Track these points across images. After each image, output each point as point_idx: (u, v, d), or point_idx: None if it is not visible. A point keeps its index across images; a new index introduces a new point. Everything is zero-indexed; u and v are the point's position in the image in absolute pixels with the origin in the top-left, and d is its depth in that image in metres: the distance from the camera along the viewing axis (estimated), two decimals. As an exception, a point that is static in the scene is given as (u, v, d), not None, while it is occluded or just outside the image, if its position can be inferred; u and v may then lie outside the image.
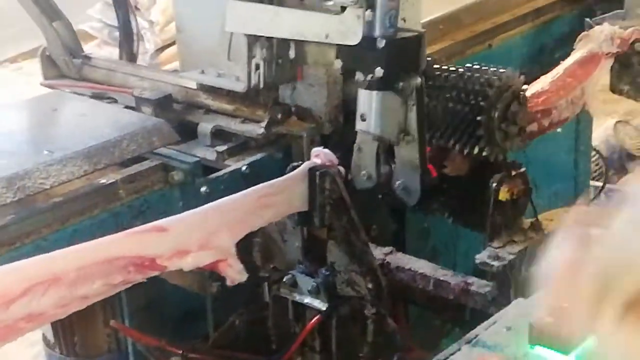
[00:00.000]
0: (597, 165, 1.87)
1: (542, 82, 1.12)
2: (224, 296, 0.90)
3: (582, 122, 1.51)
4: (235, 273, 0.73)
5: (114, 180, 0.89)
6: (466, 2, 1.37)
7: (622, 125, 2.16)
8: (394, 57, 0.86)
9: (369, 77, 0.85)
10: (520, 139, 0.95)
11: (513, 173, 0.93)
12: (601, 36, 1.21)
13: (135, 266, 0.64)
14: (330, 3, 0.88)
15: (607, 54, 1.19)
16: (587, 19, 1.28)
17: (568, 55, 1.23)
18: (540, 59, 1.40)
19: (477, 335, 0.73)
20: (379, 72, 0.83)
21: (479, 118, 0.90)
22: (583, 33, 1.23)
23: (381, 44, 0.82)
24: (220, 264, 0.72)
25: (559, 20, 1.46)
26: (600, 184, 1.70)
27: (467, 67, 1.00)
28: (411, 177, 0.93)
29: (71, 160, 0.87)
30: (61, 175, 0.87)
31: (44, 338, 0.94)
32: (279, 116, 1.00)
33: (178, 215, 0.73)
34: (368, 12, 0.81)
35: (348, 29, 0.86)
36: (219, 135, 1.01)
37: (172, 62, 1.57)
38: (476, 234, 0.99)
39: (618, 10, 1.28)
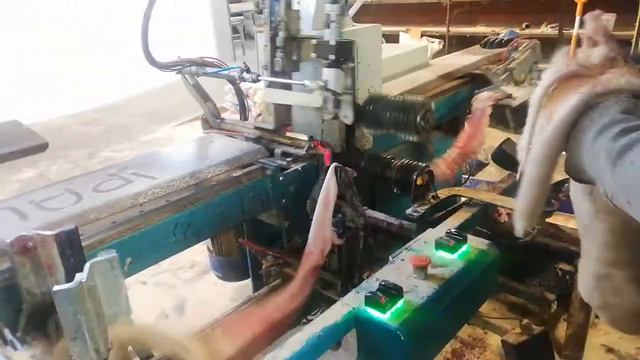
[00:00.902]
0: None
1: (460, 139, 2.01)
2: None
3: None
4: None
5: (239, 174, 1.61)
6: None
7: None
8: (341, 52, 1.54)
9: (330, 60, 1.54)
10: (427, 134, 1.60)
11: (425, 171, 1.66)
12: (484, 97, 2.13)
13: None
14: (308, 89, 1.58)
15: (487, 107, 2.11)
16: (476, 90, 2.22)
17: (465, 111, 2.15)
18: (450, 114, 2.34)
19: (409, 247, 1.34)
20: (332, 57, 1.53)
21: (410, 118, 1.53)
22: (474, 97, 2.16)
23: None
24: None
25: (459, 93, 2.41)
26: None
27: (402, 94, 1.71)
28: (347, 110, 1.59)
29: (219, 165, 1.61)
30: (215, 172, 1.66)
31: (208, 248, 1.81)
32: (312, 145, 1.73)
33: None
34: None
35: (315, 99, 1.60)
36: (284, 154, 1.74)
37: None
38: (407, 200, 1.68)
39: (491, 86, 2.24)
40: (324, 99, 1.56)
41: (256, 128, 1.84)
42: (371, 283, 1.20)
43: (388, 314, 1.09)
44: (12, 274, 1.04)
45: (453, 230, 1.34)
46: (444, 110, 2.27)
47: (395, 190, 1.66)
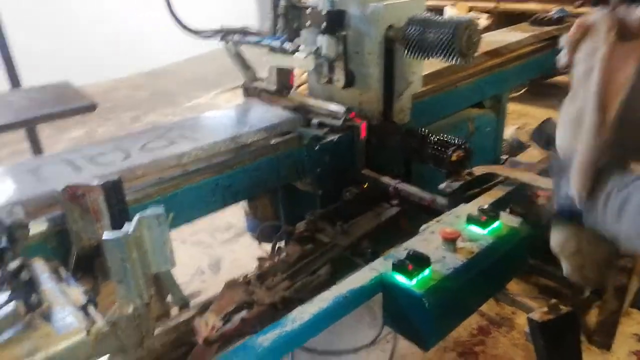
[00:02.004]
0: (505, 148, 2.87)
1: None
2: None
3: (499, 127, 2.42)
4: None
5: (277, 141, 1.69)
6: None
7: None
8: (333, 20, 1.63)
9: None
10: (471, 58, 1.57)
11: (461, 147, 1.65)
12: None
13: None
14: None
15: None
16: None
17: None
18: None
19: (440, 219, 1.37)
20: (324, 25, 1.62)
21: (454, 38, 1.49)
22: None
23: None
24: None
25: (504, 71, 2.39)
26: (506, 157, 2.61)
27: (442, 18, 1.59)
28: (340, 74, 1.69)
29: (259, 131, 1.67)
30: (254, 137, 1.71)
31: (245, 210, 1.89)
32: (348, 116, 1.75)
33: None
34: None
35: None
36: (321, 124, 1.80)
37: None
38: (441, 175, 1.68)
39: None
40: (319, 64, 1.68)
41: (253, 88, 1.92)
42: (399, 251, 1.23)
43: (414, 281, 1.13)
44: (64, 220, 1.13)
45: (486, 206, 1.35)
46: (488, 88, 2.23)
47: (430, 165, 1.66)
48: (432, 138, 1.66)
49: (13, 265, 0.82)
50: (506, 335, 2.53)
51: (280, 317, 1.07)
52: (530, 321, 1.55)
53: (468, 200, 1.51)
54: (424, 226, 1.35)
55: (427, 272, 1.15)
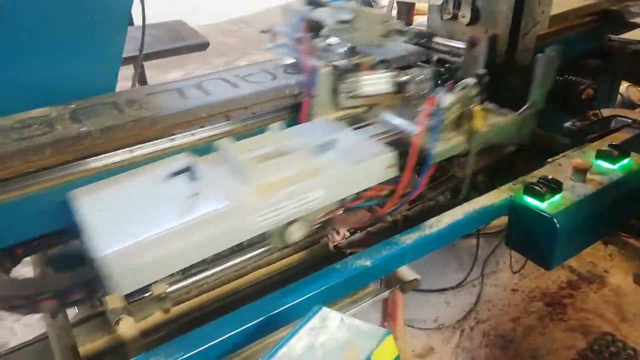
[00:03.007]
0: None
1: None
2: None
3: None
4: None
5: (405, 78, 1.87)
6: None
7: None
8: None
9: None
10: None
11: (590, 86, 1.61)
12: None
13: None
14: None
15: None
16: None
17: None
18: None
19: (567, 154, 1.44)
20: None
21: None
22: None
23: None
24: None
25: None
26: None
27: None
28: (466, 10, 1.74)
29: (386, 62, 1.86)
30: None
31: None
32: None
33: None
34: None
35: None
36: (440, 61, 1.86)
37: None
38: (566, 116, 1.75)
39: None
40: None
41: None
42: (528, 178, 1.30)
43: (545, 204, 1.19)
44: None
45: (616, 143, 1.37)
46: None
47: (556, 104, 1.67)
48: (559, 78, 1.65)
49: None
50: (597, 291, 2.53)
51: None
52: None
53: (592, 141, 1.53)
54: (551, 159, 1.40)
55: (557, 197, 1.21)
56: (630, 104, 3.10)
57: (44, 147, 1.09)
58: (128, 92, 1.43)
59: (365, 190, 1.15)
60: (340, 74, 1.37)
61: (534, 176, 1.30)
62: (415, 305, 2.40)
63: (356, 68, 1.43)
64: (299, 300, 0.96)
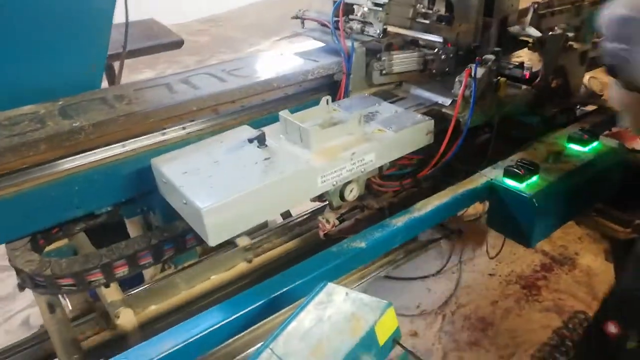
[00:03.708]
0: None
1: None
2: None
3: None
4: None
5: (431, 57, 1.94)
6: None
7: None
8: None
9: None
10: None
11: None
12: None
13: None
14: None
15: None
16: None
17: None
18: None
19: (540, 139, 1.54)
20: None
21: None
22: None
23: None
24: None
25: None
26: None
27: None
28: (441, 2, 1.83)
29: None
30: None
31: None
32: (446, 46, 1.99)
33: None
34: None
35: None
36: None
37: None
38: None
39: None
40: None
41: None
42: (507, 162, 1.37)
43: (524, 185, 1.27)
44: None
45: (587, 127, 1.46)
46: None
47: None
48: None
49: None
50: (568, 273, 2.66)
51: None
52: (612, 240, 1.68)
53: (564, 126, 1.62)
54: (525, 144, 1.48)
55: (534, 178, 1.29)
56: (592, 94, 3.25)
57: (37, 142, 1.10)
58: (115, 88, 1.45)
59: (399, 159, 1.32)
60: (374, 53, 1.56)
61: (512, 160, 1.37)
62: (399, 293, 2.47)
63: (389, 48, 1.61)
64: (299, 282, 1.00)
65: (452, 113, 1.35)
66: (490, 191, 1.33)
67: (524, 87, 1.63)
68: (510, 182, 1.29)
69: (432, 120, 1.31)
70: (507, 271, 2.64)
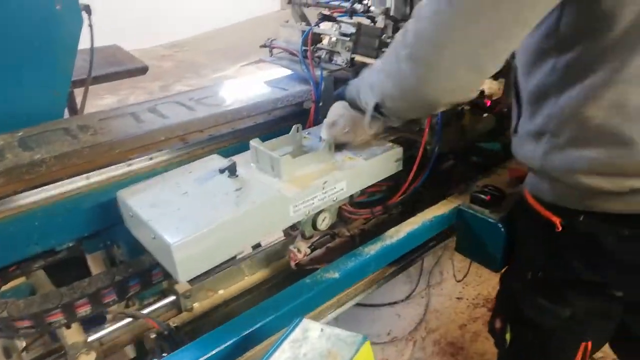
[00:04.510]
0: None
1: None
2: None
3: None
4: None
5: None
6: None
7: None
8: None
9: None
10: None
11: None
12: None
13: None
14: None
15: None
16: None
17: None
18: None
19: (503, 165, 1.74)
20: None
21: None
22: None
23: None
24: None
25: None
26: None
27: None
28: None
29: None
30: None
31: None
32: None
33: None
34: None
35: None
36: None
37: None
38: None
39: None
40: (385, 25, 1.70)
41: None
42: (472, 188, 1.41)
43: (490, 210, 1.30)
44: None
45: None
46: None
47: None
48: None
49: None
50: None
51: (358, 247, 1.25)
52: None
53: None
54: (490, 170, 1.53)
55: (500, 203, 1.32)
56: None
57: (-6, 176, 1.05)
58: (79, 117, 1.41)
59: (370, 186, 1.33)
60: (343, 82, 1.52)
61: (477, 186, 1.41)
62: (370, 320, 2.46)
63: (356, 76, 1.56)
64: (272, 317, 0.98)
65: (420, 140, 1.38)
66: (458, 217, 1.35)
67: (485, 114, 1.69)
68: (477, 208, 1.32)
69: (401, 148, 1.33)
70: (474, 294, 2.68)
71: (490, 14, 0.76)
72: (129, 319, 1.20)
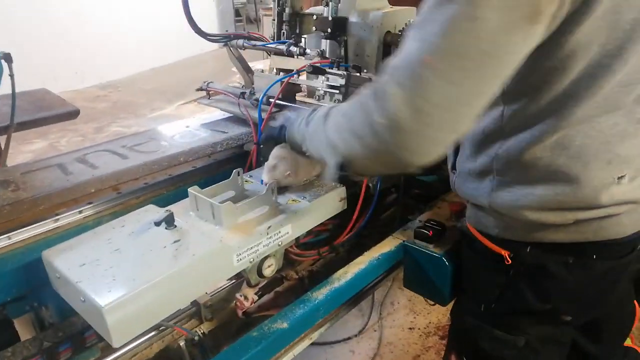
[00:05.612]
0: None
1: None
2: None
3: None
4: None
5: None
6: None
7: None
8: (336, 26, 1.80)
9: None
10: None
11: None
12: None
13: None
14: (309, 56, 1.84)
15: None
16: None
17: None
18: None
19: (443, 197, 1.79)
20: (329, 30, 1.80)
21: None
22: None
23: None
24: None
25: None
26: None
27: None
28: (338, 78, 1.72)
29: None
30: None
31: None
32: None
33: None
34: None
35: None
36: None
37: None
38: None
39: None
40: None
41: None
42: (415, 223, 1.43)
43: (433, 245, 1.32)
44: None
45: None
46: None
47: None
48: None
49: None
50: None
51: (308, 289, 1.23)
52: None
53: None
54: (431, 203, 1.56)
55: (442, 238, 1.35)
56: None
57: None
58: (0, 172, 1.30)
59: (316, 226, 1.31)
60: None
61: (420, 220, 1.43)
62: (323, 359, 2.40)
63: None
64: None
65: (362, 179, 1.39)
66: (404, 253, 1.36)
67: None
68: (421, 243, 1.33)
69: (344, 187, 1.33)
70: (425, 323, 2.70)
71: (473, 75, 0.71)
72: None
